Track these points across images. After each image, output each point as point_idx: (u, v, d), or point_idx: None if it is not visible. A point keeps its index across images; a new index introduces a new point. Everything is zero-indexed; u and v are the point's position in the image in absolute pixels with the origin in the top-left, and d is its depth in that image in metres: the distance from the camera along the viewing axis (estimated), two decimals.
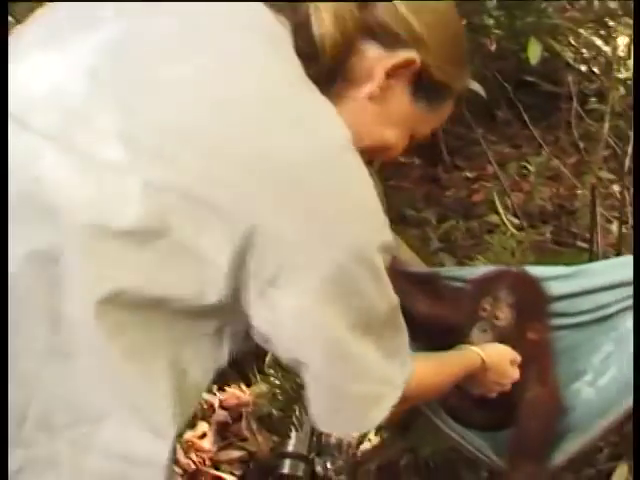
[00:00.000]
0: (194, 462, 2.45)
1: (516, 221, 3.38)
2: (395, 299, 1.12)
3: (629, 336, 1.68)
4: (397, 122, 1.21)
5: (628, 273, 1.72)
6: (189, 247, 0.95)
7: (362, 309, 1.05)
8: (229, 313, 1.02)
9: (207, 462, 2.46)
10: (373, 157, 1.26)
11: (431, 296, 1.80)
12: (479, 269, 1.98)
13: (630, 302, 1.73)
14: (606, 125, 2.93)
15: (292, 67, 1.08)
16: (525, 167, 3.76)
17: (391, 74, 1.15)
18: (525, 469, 1.63)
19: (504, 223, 3.16)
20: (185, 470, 2.44)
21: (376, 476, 2.39)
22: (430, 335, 1.69)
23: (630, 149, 2.83)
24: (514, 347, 1.70)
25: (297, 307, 1.00)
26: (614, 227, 3.04)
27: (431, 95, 1.21)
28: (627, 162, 2.92)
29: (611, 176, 3.30)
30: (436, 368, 1.43)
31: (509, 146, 4.22)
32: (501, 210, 3.24)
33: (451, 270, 2.03)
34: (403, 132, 1.24)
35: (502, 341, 1.70)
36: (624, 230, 2.90)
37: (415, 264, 2.05)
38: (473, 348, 1.61)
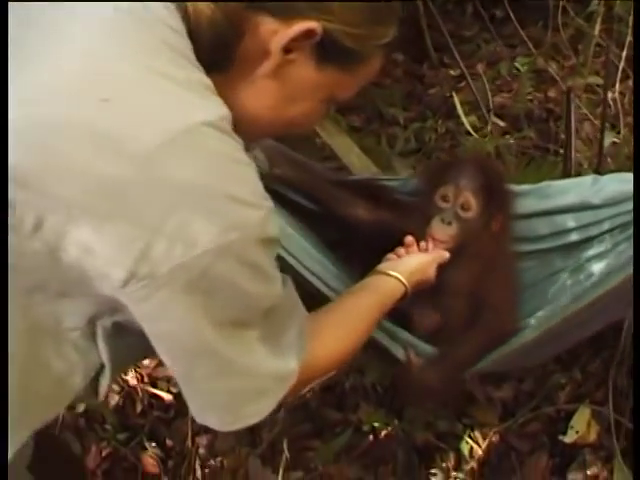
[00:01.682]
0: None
1: (501, 123, 3.21)
2: (281, 293, 1.04)
3: (587, 267, 1.54)
4: (304, 95, 1.10)
5: (598, 195, 1.56)
6: None
7: (233, 305, 0.96)
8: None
9: (145, 379, 2.34)
10: (286, 132, 1.20)
11: (371, 202, 1.67)
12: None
13: (595, 231, 1.58)
14: (597, 27, 2.73)
15: (153, 53, 0.93)
16: (517, 68, 3.54)
17: (289, 48, 1.02)
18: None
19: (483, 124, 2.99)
20: (122, 387, 2.32)
21: (321, 397, 2.27)
22: (379, 243, 1.58)
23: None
24: (478, 243, 1.57)
25: (155, 303, 0.91)
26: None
27: (342, 60, 1.07)
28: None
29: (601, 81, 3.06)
30: (349, 329, 1.31)
31: (503, 45, 3.98)
32: (483, 110, 3.03)
33: (386, 179, 1.83)
34: (313, 103, 1.12)
35: (468, 236, 1.56)
36: (616, 140, 2.74)
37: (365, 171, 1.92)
38: (392, 274, 1.45)
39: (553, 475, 2.19)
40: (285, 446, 2.14)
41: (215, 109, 0.94)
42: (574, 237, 1.61)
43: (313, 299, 1.50)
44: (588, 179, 1.65)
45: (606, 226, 1.56)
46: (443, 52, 3.80)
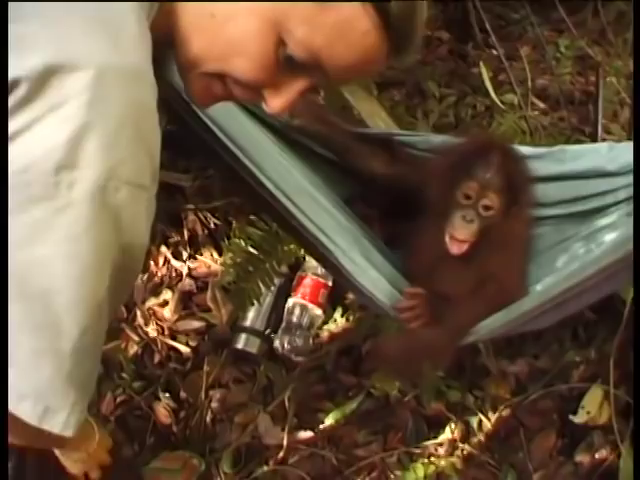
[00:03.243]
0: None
1: (541, 104, 3.19)
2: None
3: (599, 236, 1.52)
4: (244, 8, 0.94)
5: (613, 162, 1.53)
6: None
7: None
8: None
9: (165, 332, 2.38)
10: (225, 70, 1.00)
11: (390, 156, 1.63)
12: (437, 138, 1.71)
13: (610, 199, 1.54)
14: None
15: None
16: (560, 52, 3.50)
17: None
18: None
19: (523, 104, 2.96)
20: (142, 338, 2.36)
21: (336, 360, 2.29)
22: (395, 200, 1.58)
23: None
24: (496, 237, 1.49)
25: None
26: None
27: None
28: None
29: None
30: None
31: (550, 29, 3.95)
32: (517, 90, 3.00)
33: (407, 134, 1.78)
34: (259, 25, 0.94)
35: (486, 233, 1.48)
36: None
37: None
38: None
39: (560, 455, 2.19)
40: (296, 405, 2.18)
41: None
42: (588, 205, 1.57)
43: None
44: (604, 146, 1.60)
45: (622, 195, 1.52)
46: (488, 33, 3.79)
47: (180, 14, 0.97)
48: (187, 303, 2.47)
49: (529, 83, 3.12)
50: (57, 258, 0.83)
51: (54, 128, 0.80)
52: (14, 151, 0.80)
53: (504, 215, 1.49)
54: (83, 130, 0.80)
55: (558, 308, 1.44)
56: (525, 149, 1.66)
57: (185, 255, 2.54)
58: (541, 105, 3.20)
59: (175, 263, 2.53)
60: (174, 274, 2.52)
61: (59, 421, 0.91)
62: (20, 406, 0.89)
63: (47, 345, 0.86)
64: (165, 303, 2.45)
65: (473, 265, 1.52)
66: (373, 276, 1.51)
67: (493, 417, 2.23)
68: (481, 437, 2.21)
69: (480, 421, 2.23)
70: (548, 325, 1.52)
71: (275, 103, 1.02)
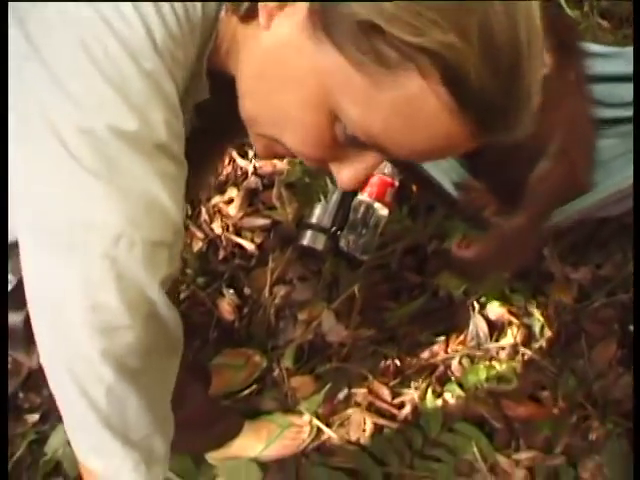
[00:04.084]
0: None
1: (604, 23, 3.11)
2: None
3: None
4: (292, 80, 0.80)
5: None
6: None
7: None
8: None
9: (230, 228, 2.39)
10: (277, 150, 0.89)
11: None
12: None
13: None
14: None
15: None
16: None
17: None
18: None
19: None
20: (206, 235, 2.37)
21: (401, 259, 2.28)
22: None
23: None
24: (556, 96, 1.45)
25: None
26: None
27: (354, 40, 0.73)
28: None
29: None
30: None
31: None
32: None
33: None
34: (308, 97, 0.79)
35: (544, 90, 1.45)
36: None
37: None
38: None
39: (620, 365, 2.19)
40: (360, 304, 2.19)
41: None
42: None
43: None
44: None
45: None
46: None
47: (239, 60, 0.86)
48: (252, 200, 2.47)
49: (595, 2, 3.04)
50: None
51: None
52: None
53: (558, 75, 1.42)
54: None
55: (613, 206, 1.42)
56: (594, 46, 1.62)
57: (251, 154, 2.52)
58: (604, 24, 3.12)
59: (240, 162, 2.52)
60: (240, 172, 2.51)
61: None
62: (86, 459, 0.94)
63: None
64: (230, 201, 2.45)
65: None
66: (444, 166, 1.51)
67: (555, 323, 2.23)
68: (542, 343, 2.21)
69: (542, 326, 2.23)
70: (625, 210, 1.49)
71: (344, 178, 0.86)
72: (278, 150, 0.87)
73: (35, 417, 2.25)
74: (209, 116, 0.98)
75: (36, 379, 2.32)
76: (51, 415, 2.23)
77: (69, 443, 0.96)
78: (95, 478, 0.97)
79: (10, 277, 1.12)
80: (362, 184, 2.34)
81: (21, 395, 2.31)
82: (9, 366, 2.35)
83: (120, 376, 0.85)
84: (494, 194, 1.53)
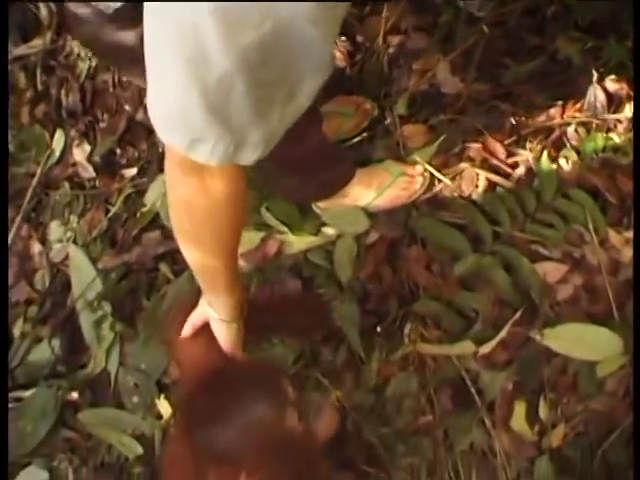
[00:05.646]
0: None
1: None
2: None
3: None
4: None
5: None
6: None
7: None
8: None
9: None
10: None
11: None
12: None
13: None
14: None
15: None
16: None
17: None
18: None
19: None
20: None
21: (520, 19, 2.17)
22: None
23: None
24: None
25: None
26: None
27: None
28: None
29: None
30: None
31: None
32: None
33: None
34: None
35: None
36: None
37: None
38: None
39: None
40: (477, 58, 2.09)
41: None
42: None
43: None
44: None
45: None
46: None
47: None
48: None
49: None
50: None
51: None
52: None
53: None
54: None
55: None
56: None
57: None
58: None
59: None
60: None
61: (205, 150, 0.94)
62: (169, 136, 0.96)
63: (195, 76, 0.85)
64: None
65: None
66: None
67: None
68: None
69: None
70: None
71: None
72: None
73: (133, 171, 2.22)
74: None
75: (135, 133, 2.25)
76: (149, 168, 2.17)
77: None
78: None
79: None
80: None
81: (118, 151, 2.27)
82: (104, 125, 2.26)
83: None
84: None
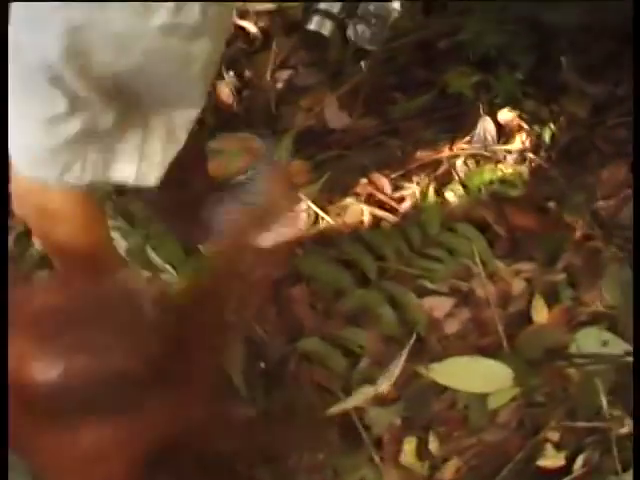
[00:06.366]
0: None
1: None
2: None
3: None
4: None
5: None
6: None
7: None
8: None
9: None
10: None
11: None
12: None
13: None
14: None
15: None
16: None
17: None
18: None
19: None
20: None
21: (411, 53, 2.17)
22: None
23: None
24: None
25: None
26: None
27: None
28: None
29: None
30: None
31: None
32: None
33: None
34: None
35: None
36: None
37: None
38: None
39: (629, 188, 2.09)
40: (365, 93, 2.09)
41: None
42: None
43: None
44: None
45: None
46: None
47: None
48: None
49: None
50: None
51: None
52: None
53: None
54: None
55: None
56: None
57: None
58: None
59: None
60: None
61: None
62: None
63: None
64: None
65: None
66: None
67: (568, 134, 2.13)
68: (552, 153, 2.12)
69: (553, 135, 2.13)
70: None
71: None
72: None
73: None
74: None
75: None
76: None
77: None
78: None
79: None
80: None
81: None
82: None
83: None
84: None
